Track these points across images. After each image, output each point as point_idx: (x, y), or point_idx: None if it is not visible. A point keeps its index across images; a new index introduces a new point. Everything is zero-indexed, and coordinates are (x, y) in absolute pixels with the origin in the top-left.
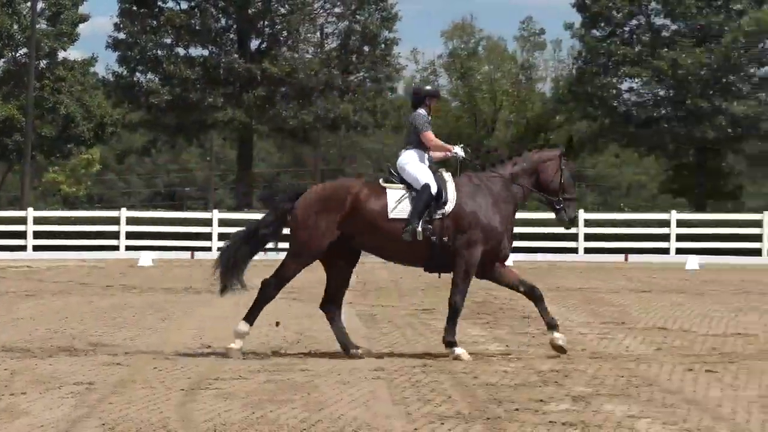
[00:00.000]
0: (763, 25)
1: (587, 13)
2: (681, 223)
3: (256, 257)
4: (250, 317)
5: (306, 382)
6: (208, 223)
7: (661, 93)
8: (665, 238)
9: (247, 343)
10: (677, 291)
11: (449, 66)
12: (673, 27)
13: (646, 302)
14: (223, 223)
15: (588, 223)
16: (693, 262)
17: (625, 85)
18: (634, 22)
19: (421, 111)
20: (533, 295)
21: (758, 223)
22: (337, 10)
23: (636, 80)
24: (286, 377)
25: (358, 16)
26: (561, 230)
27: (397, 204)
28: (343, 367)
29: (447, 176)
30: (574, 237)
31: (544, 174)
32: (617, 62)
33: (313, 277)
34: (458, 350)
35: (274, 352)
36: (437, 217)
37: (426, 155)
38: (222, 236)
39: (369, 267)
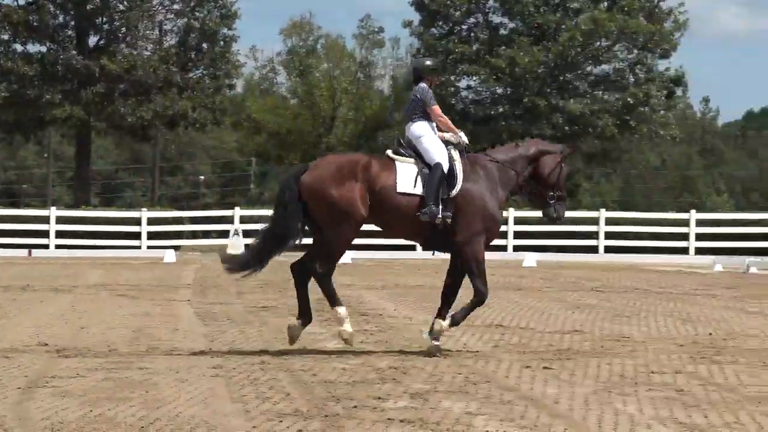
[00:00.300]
0: (599, 23)
1: (425, 11)
2: (518, 221)
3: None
4: (334, 300)
5: (144, 380)
6: (45, 220)
7: (499, 91)
8: (502, 235)
9: (86, 341)
10: (515, 288)
11: (288, 63)
12: (511, 25)
13: None
14: (61, 220)
15: None
16: (530, 259)
17: (463, 83)
18: (472, 20)
19: (424, 85)
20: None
21: (595, 221)
22: (176, 7)
23: (474, 78)
24: (123, 375)
25: (197, 13)
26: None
27: (407, 178)
28: (181, 365)
29: (456, 155)
30: None
31: (542, 166)
32: (455, 60)
33: (151, 275)
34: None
35: (111, 350)
36: (444, 197)
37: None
38: (60, 234)
39: (207, 264)
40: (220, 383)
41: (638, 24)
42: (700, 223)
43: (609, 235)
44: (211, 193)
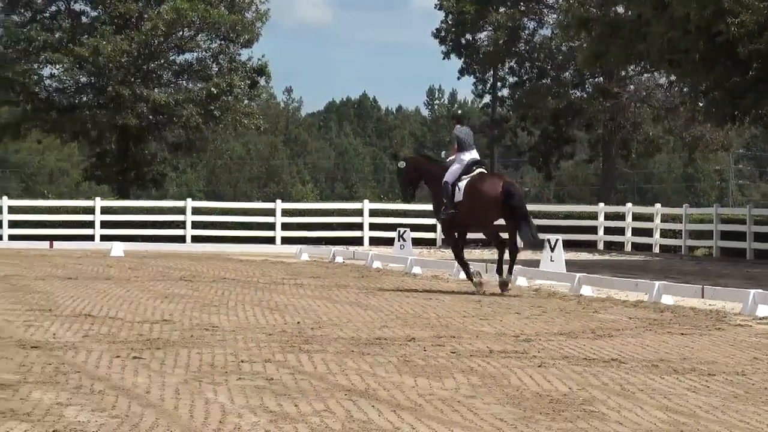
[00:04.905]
0: (181, 13)
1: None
2: (105, 210)
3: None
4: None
5: None
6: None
7: (83, 80)
8: (90, 224)
9: None
10: (103, 278)
11: None
12: (93, 14)
13: (72, 289)
14: None
15: (12, 210)
16: (118, 248)
17: (46, 71)
18: (54, 8)
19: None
20: None
21: (182, 210)
22: None
23: (57, 66)
24: None
25: None
26: None
27: None
28: None
29: None
30: None
31: None
32: (38, 48)
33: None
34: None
35: None
36: None
37: None
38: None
39: None
40: None
41: (220, 14)
42: (286, 212)
43: (196, 225)
44: None
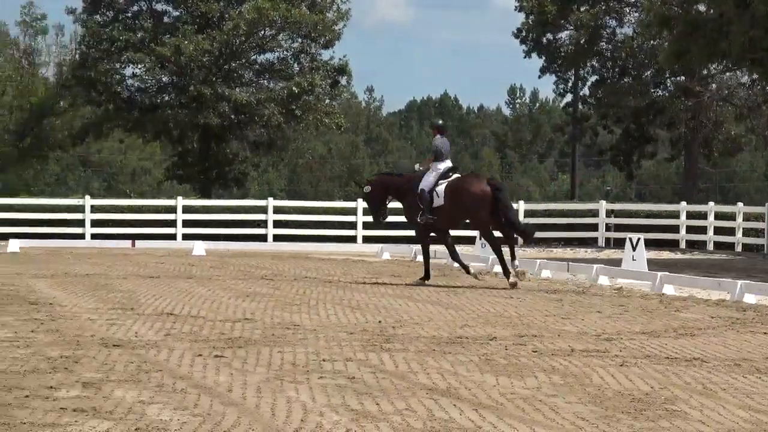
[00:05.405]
0: (263, 13)
1: None
2: (187, 209)
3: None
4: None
5: None
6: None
7: (165, 79)
8: (172, 224)
9: None
10: (185, 277)
11: None
12: (175, 13)
13: (154, 288)
14: None
15: (95, 209)
16: (199, 247)
17: (128, 71)
18: (135, 7)
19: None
20: None
21: (263, 210)
22: None
23: (139, 66)
24: None
25: None
26: (68, 216)
27: None
28: None
29: None
30: (80, 223)
31: None
32: (120, 48)
33: None
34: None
35: None
36: None
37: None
38: None
39: None
40: None
41: (301, 13)
42: (367, 212)
43: (277, 224)
44: None
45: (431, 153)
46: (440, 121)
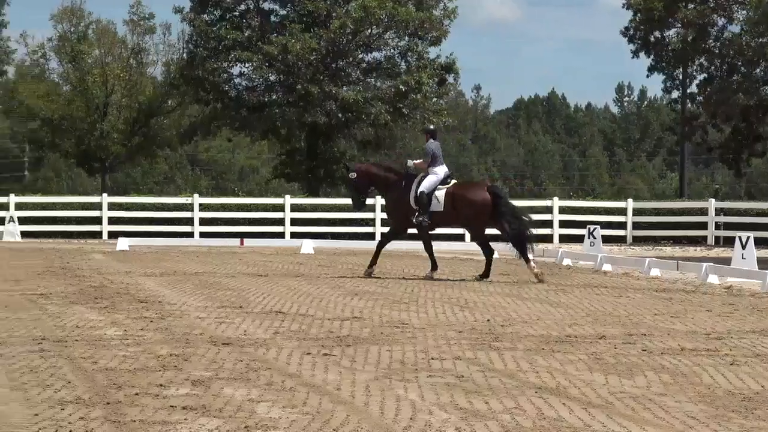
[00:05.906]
0: (369, 11)
1: None
2: (295, 208)
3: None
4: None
5: None
6: None
7: (272, 78)
8: (280, 222)
9: None
10: (293, 275)
11: (59, 49)
12: (282, 12)
13: (262, 286)
14: None
15: (203, 207)
16: (307, 245)
17: (236, 70)
18: (243, 6)
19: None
20: None
21: (371, 208)
22: None
23: (247, 65)
24: None
25: None
26: (177, 215)
27: None
28: None
29: None
30: (189, 221)
31: None
32: (227, 47)
33: None
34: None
35: None
36: None
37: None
38: None
39: None
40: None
41: (408, 11)
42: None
43: (384, 222)
44: None
45: (426, 156)
46: (431, 126)
